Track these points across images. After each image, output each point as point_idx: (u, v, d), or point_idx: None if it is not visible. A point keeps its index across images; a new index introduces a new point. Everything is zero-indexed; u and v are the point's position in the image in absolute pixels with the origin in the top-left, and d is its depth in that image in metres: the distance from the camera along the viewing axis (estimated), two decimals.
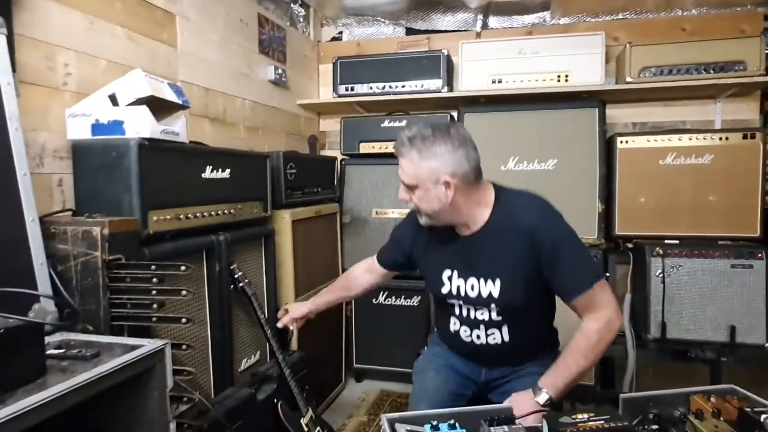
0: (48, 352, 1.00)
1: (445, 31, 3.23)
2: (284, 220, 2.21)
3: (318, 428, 1.95)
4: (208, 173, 1.70)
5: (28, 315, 1.11)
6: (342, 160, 2.97)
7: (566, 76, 2.64)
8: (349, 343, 2.91)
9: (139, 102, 1.45)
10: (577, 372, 1.30)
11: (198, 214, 1.64)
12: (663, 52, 2.52)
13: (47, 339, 1.08)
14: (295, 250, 2.25)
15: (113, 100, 1.45)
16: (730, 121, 2.78)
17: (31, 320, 1.00)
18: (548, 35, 2.79)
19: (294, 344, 2.24)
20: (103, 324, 1.25)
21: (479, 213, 1.37)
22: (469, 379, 1.57)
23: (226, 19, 2.35)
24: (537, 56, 2.67)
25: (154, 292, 1.25)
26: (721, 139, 2.39)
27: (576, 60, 2.62)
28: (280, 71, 2.79)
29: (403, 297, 2.83)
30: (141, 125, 1.41)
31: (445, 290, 1.46)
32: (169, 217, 1.51)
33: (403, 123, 2.85)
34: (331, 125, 3.43)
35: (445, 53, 2.85)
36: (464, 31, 3.19)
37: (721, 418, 1.01)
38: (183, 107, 1.60)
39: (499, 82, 2.72)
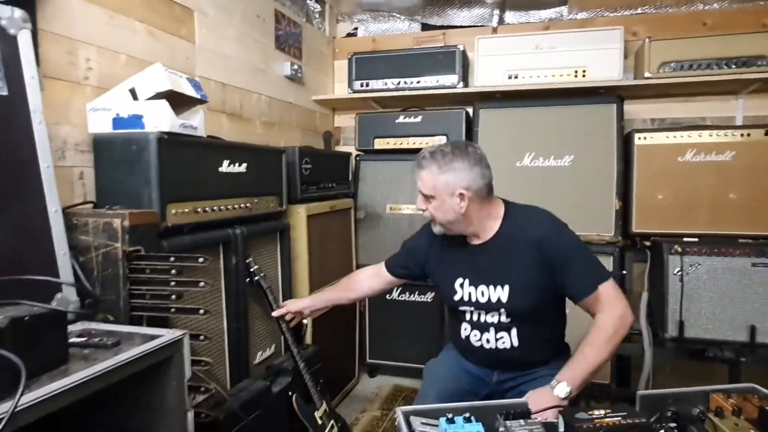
0: (70, 340, 1.02)
1: (461, 27, 3.21)
2: (299, 215, 2.22)
3: (332, 422, 1.96)
4: (225, 167, 1.71)
5: (50, 304, 1.14)
6: (357, 156, 2.98)
7: (584, 71, 2.61)
8: (362, 339, 2.92)
9: (158, 96, 1.47)
10: (595, 365, 1.33)
11: (215, 208, 1.65)
12: (683, 47, 2.47)
13: (69, 328, 1.10)
14: (309, 245, 2.26)
15: (133, 94, 1.48)
16: (752, 118, 2.71)
17: (55, 308, 1.02)
18: (565, 30, 2.76)
19: (308, 338, 2.25)
20: (123, 314, 1.27)
21: (489, 225, 1.47)
22: (481, 380, 1.59)
23: (243, 14, 2.37)
24: (554, 51, 2.64)
25: (172, 283, 1.27)
26: (742, 135, 2.34)
27: (594, 55, 2.58)
28: (295, 67, 2.80)
29: (417, 293, 2.83)
30: (160, 119, 1.43)
31: (457, 297, 1.52)
32: (187, 210, 1.53)
33: (418, 119, 2.84)
34: (346, 121, 3.44)
35: (461, 49, 2.83)
36: (480, 26, 3.17)
37: (742, 417, 1.00)
38: (201, 102, 1.62)
39: (516, 77, 2.70)
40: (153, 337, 1.10)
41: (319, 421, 1.90)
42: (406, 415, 1.06)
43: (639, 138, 2.46)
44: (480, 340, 1.52)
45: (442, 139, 2.74)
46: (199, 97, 1.59)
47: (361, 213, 2.91)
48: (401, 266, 1.74)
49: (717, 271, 2.13)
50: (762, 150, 2.30)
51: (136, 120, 1.44)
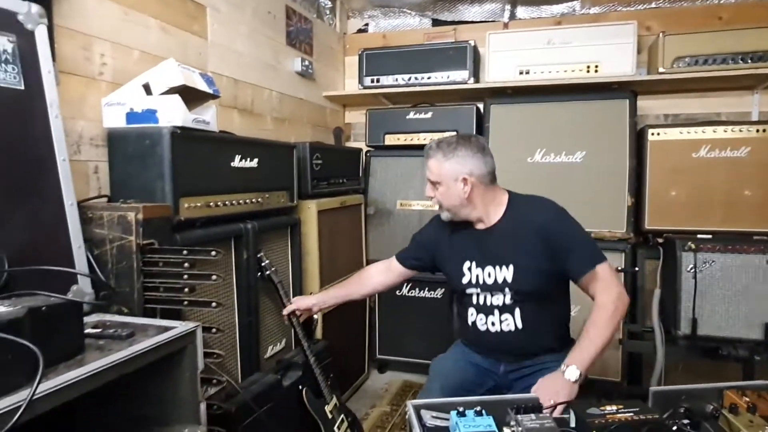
0: (86, 331, 1.03)
1: (472, 22, 3.19)
2: (310, 210, 2.23)
3: (342, 416, 1.97)
4: (236, 162, 1.72)
5: (66, 296, 1.16)
6: (367, 152, 2.98)
7: (596, 66, 2.58)
8: (372, 334, 2.92)
9: (171, 91, 1.49)
10: (600, 345, 1.38)
11: (227, 202, 1.67)
12: (698, 42, 2.44)
13: (85, 319, 1.12)
14: (320, 240, 2.27)
15: (147, 89, 1.49)
16: None
17: (71, 299, 1.04)
18: (578, 25, 2.73)
19: (318, 333, 2.26)
20: (137, 306, 1.29)
21: (494, 210, 1.56)
22: (487, 372, 1.61)
23: (254, 10, 2.38)
24: (566, 46, 2.62)
25: (185, 276, 1.29)
26: (758, 131, 2.30)
27: (606, 50, 2.56)
28: (306, 63, 2.81)
29: (426, 289, 2.83)
30: (173, 114, 1.45)
31: (465, 280, 1.58)
32: (199, 204, 1.54)
33: (429, 115, 2.84)
34: (356, 117, 3.44)
35: (472, 44, 2.82)
36: (491, 21, 3.15)
37: (757, 414, 0.99)
38: (214, 96, 1.63)
39: (527, 73, 2.68)
40: (166, 329, 1.11)
41: (329, 415, 1.91)
42: (417, 409, 1.06)
43: (652, 134, 2.44)
44: (485, 323, 1.56)
45: None
46: (211, 92, 1.60)
47: (372, 209, 2.92)
48: (413, 257, 1.78)
49: (731, 269, 2.10)
50: None
51: (150, 114, 1.45)
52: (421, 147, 2.81)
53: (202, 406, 1.17)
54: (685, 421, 1.00)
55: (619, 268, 2.42)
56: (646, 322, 2.38)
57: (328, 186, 2.45)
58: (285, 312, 1.84)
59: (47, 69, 1.19)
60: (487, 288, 1.55)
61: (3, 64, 1.11)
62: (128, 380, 1.00)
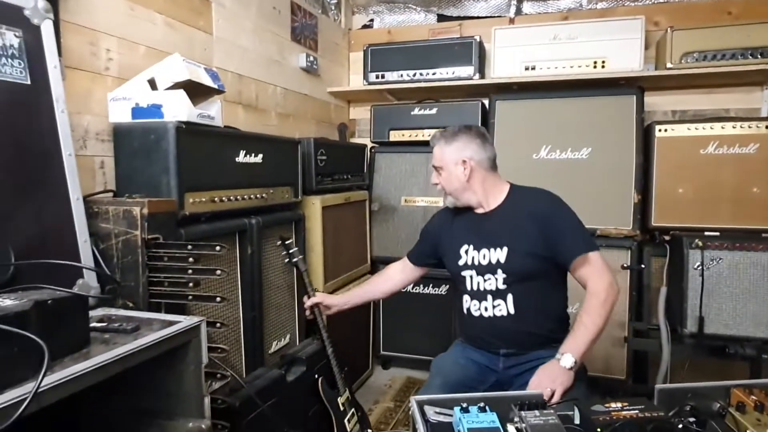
0: (91, 324, 1.04)
1: (478, 18, 3.17)
2: (314, 206, 2.23)
3: (353, 410, 2.00)
4: (241, 157, 1.72)
5: (72, 289, 1.16)
6: (372, 148, 2.97)
7: (603, 62, 2.56)
8: (376, 330, 2.92)
9: (176, 86, 1.49)
10: (593, 332, 1.41)
11: (232, 197, 1.67)
12: (707, 37, 2.41)
13: (90, 313, 1.12)
14: (324, 236, 2.27)
15: (152, 84, 1.49)
16: None
17: (77, 293, 1.04)
18: (585, 20, 2.71)
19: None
20: (142, 300, 1.29)
21: (494, 197, 1.62)
22: (487, 369, 1.62)
23: (259, 6, 2.37)
24: (572, 42, 2.60)
25: (190, 271, 1.29)
26: (767, 127, 2.27)
27: (613, 45, 2.54)
28: (311, 59, 2.80)
29: (430, 286, 2.83)
30: (178, 109, 1.45)
31: (461, 262, 1.64)
32: (204, 199, 1.54)
33: (434, 111, 2.83)
34: (361, 113, 3.44)
35: (478, 40, 2.81)
36: (497, 17, 3.13)
37: (764, 412, 0.98)
38: (219, 92, 1.63)
39: (533, 68, 2.66)
40: (171, 323, 1.12)
41: (341, 407, 1.94)
42: (420, 405, 1.06)
43: (660, 130, 2.41)
44: (479, 309, 1.60)
45: None
46: (216, 87, 1.60)
47: (376, 205, 2.91)
48: (421, 253, 1.84)
49: (739, 266, 2.08)
50: None
51: (155, 109, 1.46)
52: (425, 143, 2.82)
53: (207, 400, 1.17)
54: (691, 419, 0.99)
55: (625, 266, 2.41)
56: (652, 320, 2.37)
57: (332, 182, 2.45)
58: (308, 303, 1.90)
59: (53, 64, 1.20)
60: (481, 270, 1.59)
61: (9, 59, 1.11)
62: (133, 374, 1.00)
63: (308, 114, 2.89)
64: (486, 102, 2.75)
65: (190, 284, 1.29)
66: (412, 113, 2.87)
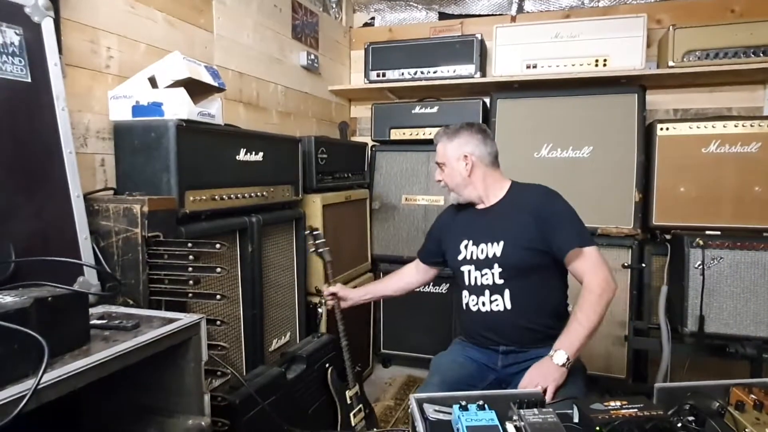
0: (92, 322, 1.04)
1: (479, 16, 3.17)
2: (315, 204, 2.23)
3: (360, 405, 2.01)
4: (242, 155, 1.73)
5: (73, 287, 1.16)
6: (372, 147, 2.97)
7: (604, 60, 2.55)
8: (376, 329, 2.93)
9: (177, 84, 1.49)
10: (588, 328, 1.41)
11: (232, 196, 1.67)
12: (709, 35, 2.40)
13: (91, 310, 1.12)
14: (325, 235, 2.26)
15: (153, 82, 1.50)
16: None
17: (77, 290, 1.05)
18: (586, 18, 2.70)
19: (323, 327, 2.27)
20: (142, 298, 1.30)
21: (494, 192, 1.65)
22: (487, 367, 1.62)
23: (260, 4, 2.37)
24: (574, 40, 2.60)
25: (190, 269, 1.29)
26: None
27: (615, 44, 2.53)
28: (312, 57, 2.80)
29: (431, 284, 2.81)
30: (179, 107, 1.45)
31: (460, 257, 1.66)
32: (204, 197, 1.54)
33: (434, 109, 2.82)
34: (361, 112, 3.44)
35: (479, 38, 2.80)
36: (499, 15, 3.12)
37: (763, 411, 0.97)
38: (219, 89, 1.63)
39: (534, 67, 2.66)
40: (171, 321, 1.12)
41: (349, 401, 1.95)
42: (420, 403, 1.06)
43: (661, 129, 2.41)
44: (477, 304, 1.61)
45: None
46: (217, 84, 1.60)
47: (377, 203, 2.91)
48: (428, 252, 1.86)
49: (740, 265, 2.08)
50: None
51: (156, 108, 1.46)
52: (426, 142, 2.84)
53: (207, 398, 1.18)
54: (690, 418, 0.99)
55: (626, 265, 2.40)
56: (653, 319, 2.37)
57: (333, 180, 2.45)
58: (327, 291, 1.92)
59: (54, 61, 1.20)
60: (479, 265, 1.60)
61: (10, 57, 1.11)
62: (134, 371, 1.01)
63: (309, 112, 2.89)
64: (487, 100, 2.74)
65: (191, 282, 1.29)
66: (413, 112, 2.87)
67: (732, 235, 2.16)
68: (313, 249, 1.96)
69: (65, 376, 0.84)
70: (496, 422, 0.94)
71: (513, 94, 2.68)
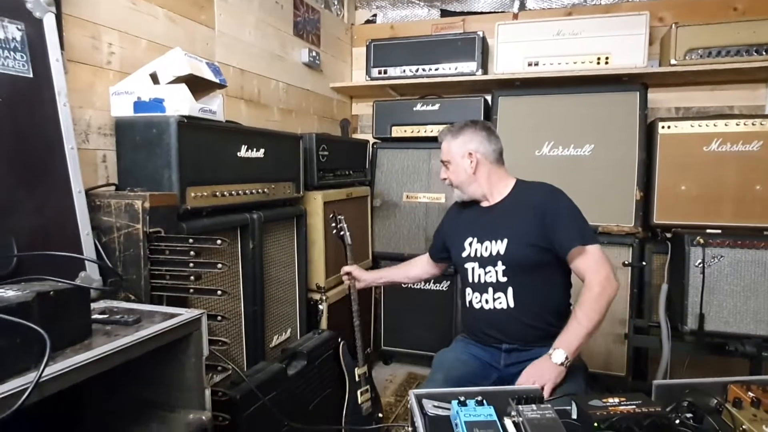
0: (93, 316, 1.05)
1: (481, 13, 3.16)
2: (316, 201, 2.23)
3: (368, 386, 2.06)
4: (243, 152, 1.73)
5: (74, 282, 1.17)
6: (374, 144, 2.97)
7: (606, 58, 2.55)
8: (377, 326, 2.94)
9: (178, 80, 1.49)
10: (588, 327, 1.41)
11: (233, 192, 1.67)
12: (711, 33, 2.40)
13: (92, 305, 1.13)
14: (326, 231, 2.27)
15: (154, 78, 1.50)
16: None
17: (79, 285, 1.05)
18: (589, 15, 2.70)
19: (323, 323, 2.27)
20: (144, 293, 1.30)
21: (499, 190, 1.66)
22: (489, 365, 1.63)
23: (262, 0, 2.37)
24: (576, 38, 2.59)
25: (191, 264, 1.30)
26: None
27: (617, 41, 2.52)
28: (314, 54, 2.80)
29: (432, 281, 2.83)
30: (180, 103, 1.45)
31: (465, 254, 1.67)
32: (205, 193, 1.55)
33: (436, 107, 2.82)
34: (363, 109, 3.44)
35: (481, 35, 2.80)
36: (501, 12, 3.12)
37: (761, 408, 0.98)
38: (220, 86, 1.63)
39: (536, 64, 2.66)
40: (172, 316, 1.12)
41: (357, 378, 1.99)
42: (419, 398, 1.07)
43: (663, 127, 2.41)
44: (480, 301, 1.62)
45: None
46: (218, 81, 1.60)
47: (378, 201, 2.92)
48: (436, 249, 1.88)
49: (740, 264, 2.08)
50: None
51: (157, 104, 1.46)
52: (428, 139, 2.85)
53: (207, 393, 1.18)
54: (688, 415, 1.00)
55: (626, 263, 2.41)
56: (653, 317, 2.37)
57: (334, 177, 2.45)
58: (345, 270, 2.04)
59: (55, 57, 1.20)
60: (483, 262, 1.61)
61: (12, 52, 1.12)
62: (135, 366, 1.01)
63: (310, 109, 2.89)
64: (489, 98, 2.74)
65: (192, 278, 1.30)
66: (414, 109, 2.87)
67: (733, 233, 2.16)
68: (334, 232, 2.05)
69: (67, 369, 0.84)
70: (495, 418, 0.95)
71: (514, 91, 2.68)
